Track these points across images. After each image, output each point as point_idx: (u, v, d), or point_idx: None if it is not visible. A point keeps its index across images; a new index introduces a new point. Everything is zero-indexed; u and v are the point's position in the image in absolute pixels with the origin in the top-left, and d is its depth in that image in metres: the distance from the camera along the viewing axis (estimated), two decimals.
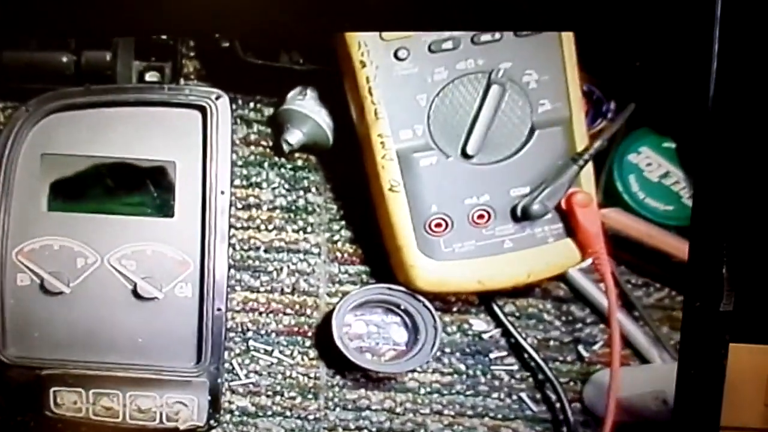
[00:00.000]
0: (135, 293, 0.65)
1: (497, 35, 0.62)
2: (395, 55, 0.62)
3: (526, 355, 0.71)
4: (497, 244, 0.65)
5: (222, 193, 0.64)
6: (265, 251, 0.71)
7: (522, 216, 0.64)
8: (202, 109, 0.65)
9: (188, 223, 0.65)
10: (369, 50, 0.62)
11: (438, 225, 0.65)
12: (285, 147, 0.69)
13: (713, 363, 0.57)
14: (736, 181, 0.56)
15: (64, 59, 0.66)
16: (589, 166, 0.65)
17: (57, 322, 0.65)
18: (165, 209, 0.65)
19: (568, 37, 0.63)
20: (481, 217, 0.65)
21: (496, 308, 0.70)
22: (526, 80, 0.64)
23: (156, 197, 0.65)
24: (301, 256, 0.71)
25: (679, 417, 0.59)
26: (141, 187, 0.65)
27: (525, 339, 0.70)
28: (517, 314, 0.71)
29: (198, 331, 0.65)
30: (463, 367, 0.71)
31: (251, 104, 0.71)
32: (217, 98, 0.65)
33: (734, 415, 0.64)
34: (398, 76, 0.63)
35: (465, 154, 0.64)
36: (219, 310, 0.64)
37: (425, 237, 0.65)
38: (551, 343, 0.71)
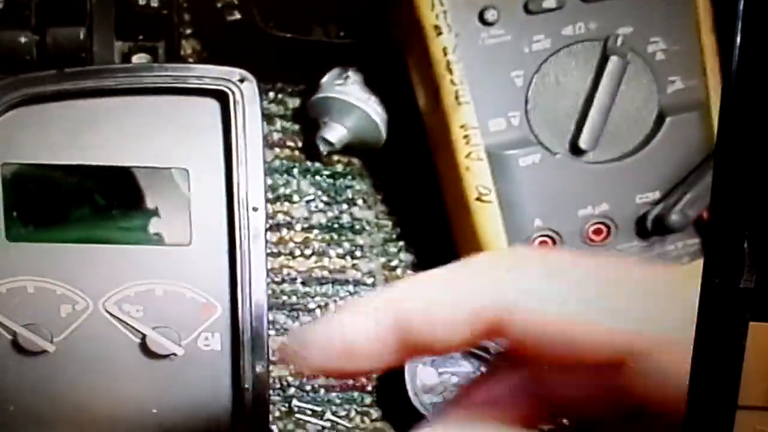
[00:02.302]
0: (144, 348, 0.51)
1: None
2: (481, 18, 0.49)
3: None
4: None
5: (255, 209, 0.50)
6: (303, 283, 0.58)
7: (653, 229, 0.52)
8: (222, 97, 0.50)
9: (211, 251, 0.51)
10: (446, 11, 0.49)
11: (543, 244, 0.52)
12: (323, 147, 0.56)
13: (732, 341, 0.49)
14: (760, 153, 0.48)
15: (23, 39, 0.52)
16: None
17: (39, 390, 0.51)
18: (178, 234, 0.51)
19: None
20: (598, 232, 0.52)
21: None
22: (652, 50, 0.51)
23: (164, 218, 0.51)
24: (351, 288, 0.58)
25: (696, 397, 0.50)
26: (143, 206, 0.51)
27: None
28: None
29: (233, 398, 0.51)
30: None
31: (271, 94, 0.58)
32: (241, 81, 0.50)
33: (753, 394, 0.56)
34: (486, 47, 0.50)
35: (576, 150, 0.51)
36: (262, 367, 0.50)
37: None
38: None
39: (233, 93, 0.50)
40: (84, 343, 0.50)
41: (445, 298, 0.28)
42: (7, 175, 0.50)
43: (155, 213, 0.50)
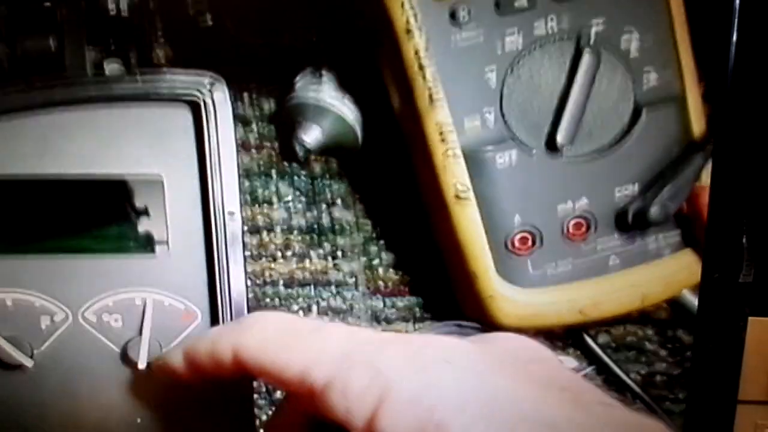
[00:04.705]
0: (124, 358, 0.50)
1: None
2: (452, 18, 0.50)
3: (628, 395, 0.60)
4: (601, 262, 0.54)
5: (231, 214, 0.51)
6: (286, 286, 0.58)
7: (633, 223, 0.53)
8: (193, 103, 0.51)
9: (188, 258, 0.51)
10: (416, 13, 0.50)
11: (523, 241, 0.53)
12: (299, 150, 0.56)
13: (731, 336, 0.54)
14: (758, 148, 0.52)
15: None
16: None
17: (19, 406, 0.50)
18: (154, 242, 0.51)
19: None
20: (578, 227, 0.53)
21: (588, 340, 0.59)
22: (626, 44, 0.52)
23: (140, 226, 0.51)
24: (333, 289, 0.58)
25: (696, 392, 0.55)
26: (118, 215, 0.51)
27: (627, 375, 0.59)
28: (613, 345, 0.60)
29: (217, 404, 0.51)
30: None
31: (246, 97, 0.58)
32: (211, 85, 0.51)
33: (753, 389, 0.59)
34: (458, 47, 0.51)
35: (553, 147, 0.52)
36: None
37: (507, 257, 0.53)
38: (657, 378, 0.60)
39: (204, 97, 0.50)
40: (64, 355, 0.50)
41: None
42: None
43: (131, 221, 0.51)
